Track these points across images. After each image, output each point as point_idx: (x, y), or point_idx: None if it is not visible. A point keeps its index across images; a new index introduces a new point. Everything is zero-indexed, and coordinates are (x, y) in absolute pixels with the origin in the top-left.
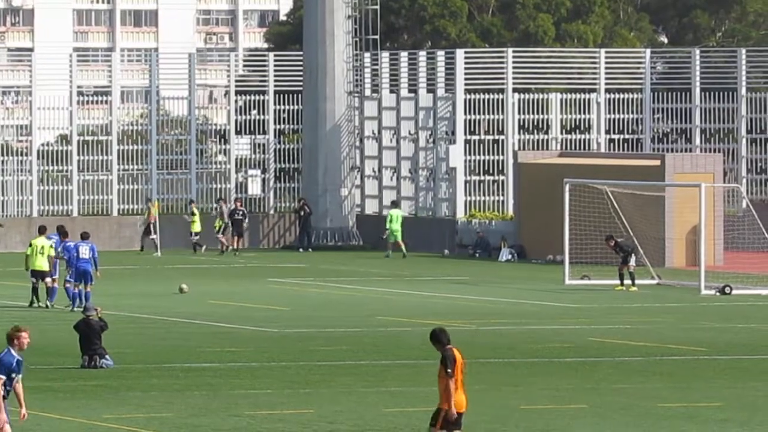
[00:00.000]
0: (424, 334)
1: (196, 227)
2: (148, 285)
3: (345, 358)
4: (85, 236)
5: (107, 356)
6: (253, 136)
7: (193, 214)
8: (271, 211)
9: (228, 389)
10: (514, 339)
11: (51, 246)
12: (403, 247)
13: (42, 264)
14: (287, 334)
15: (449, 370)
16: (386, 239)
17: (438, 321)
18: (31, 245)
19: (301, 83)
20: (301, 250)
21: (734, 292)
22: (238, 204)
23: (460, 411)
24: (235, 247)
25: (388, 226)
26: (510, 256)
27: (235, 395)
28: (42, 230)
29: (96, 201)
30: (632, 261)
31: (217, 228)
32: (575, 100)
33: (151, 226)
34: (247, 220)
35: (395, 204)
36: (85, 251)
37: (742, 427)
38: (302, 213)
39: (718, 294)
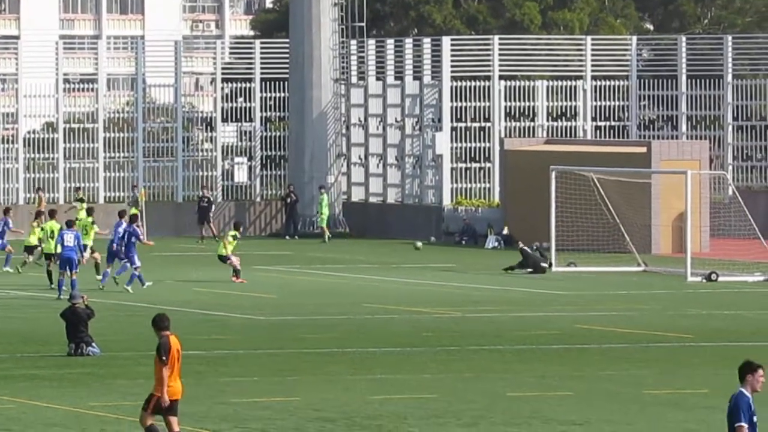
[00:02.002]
0: (412, 321)
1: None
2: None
3: (332, 345)
4: (69, 224)
5: (94, 344)
6: (239, 124)
7: (81, 200)
8: (258, 199)
9: (214, 377)
10: (500, 326)
11: (61, 229)
12: (326, 232)
13: (53, 247)
14: (274, 322)
15: (163, 358)
16: (319, 224)
17: (425, 308)
18: (42, 229)
19: (287, 71)
20: (287, 237)
21: (720, 278)
22: (205, 191)
23: (174, 398)
24: (201, 234)
25: (318, 211)
26: (496, 244)
27: (222, 383)
28: (52, 214)
29: (82, 188)
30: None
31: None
32: (561, 87)
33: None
34: (213, 208)
35: (323, 188)
36: (70, 239)
37: None
38: (288, 200)
39: (704, 281)
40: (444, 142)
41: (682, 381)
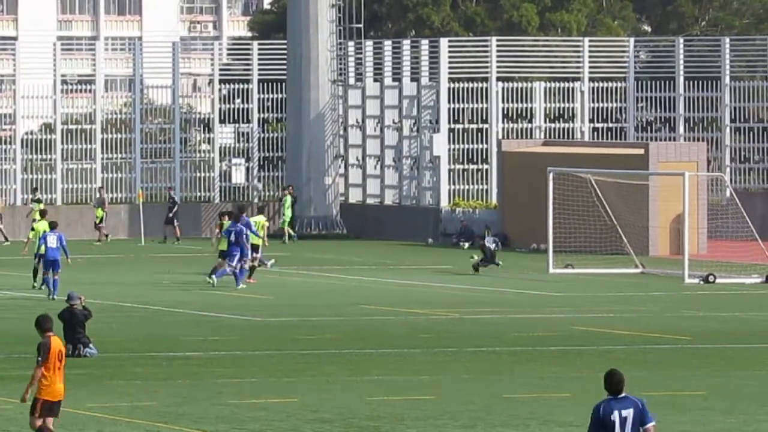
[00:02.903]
0: (409, 323)
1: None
2: (131, 273)
3: (329, 346)
4: (53, 226)
5: (91, 345)
6: (237, 125)
7: (38, 201)
8: (255, 200)
9: (212, 378)
10: (497, 328)
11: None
12: (287, 232)
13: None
14: (271, 323)
15: (39, 359)
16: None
17: (422, 310)
18: (33, 229)
19: (285, 72)
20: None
21: (718, 280)
22: (171, 192)
23: (56, 399)
24: (165, 235)
25: (282, 212)
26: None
27: (219, 384)
28: (43, 214)
29: (80, 190)
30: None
31: (98, 218)
32: (559, 88)
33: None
34: (176, 209)
35: (286, 189)
36: (53, 240)
37: (725, 416)
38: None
39: (701, 283)
40: (441, 144)
41: (679, 383)
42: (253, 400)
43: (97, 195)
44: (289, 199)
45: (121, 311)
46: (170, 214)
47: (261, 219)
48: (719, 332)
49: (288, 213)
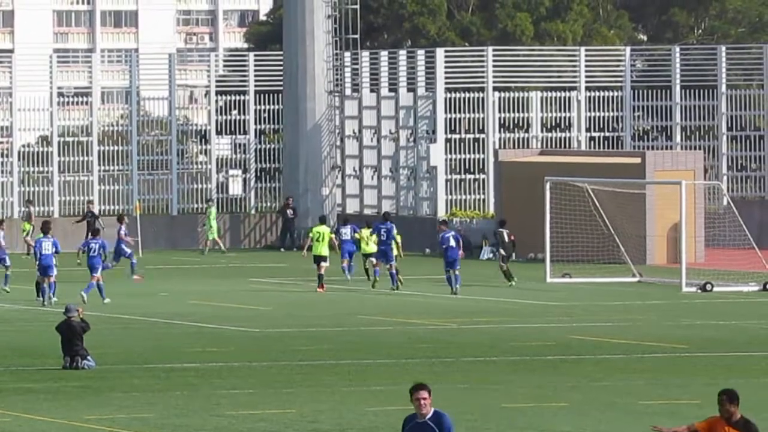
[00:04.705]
0: (407, 333)
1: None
2: (129, 285)
3: (326, 357)
4: (45, 231)
5: (89, 357)
6: (233, 136)
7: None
8: (252, 211)
9: (209, 389)
10: (495, 337)
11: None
12: (220, 243)
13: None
14: (268, 334)
15: None
16: (206, 237)
17: (420, 319)
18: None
19: (281, 83)
20: (282, 249)
21: (715, 289)
22: (90, 206)
23: None
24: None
25: (207, 224)
26: (491, 255)
27: (217, 395)
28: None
29: (77, 202)
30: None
31: (24, 232)
32: (555, 98)
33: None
34: (96, 222)
35: (210, 201)
36: (48, 246)
37: None
38: (287, 212)
39: (699, 291)
40: (438, 154)
41: (676, 391)
42: (251, 412)
43: (26, 208)
44: (213, 210)
45: (118, 323)
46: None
47: (324, 230)
48: (717, 341)
49: (213, 224)
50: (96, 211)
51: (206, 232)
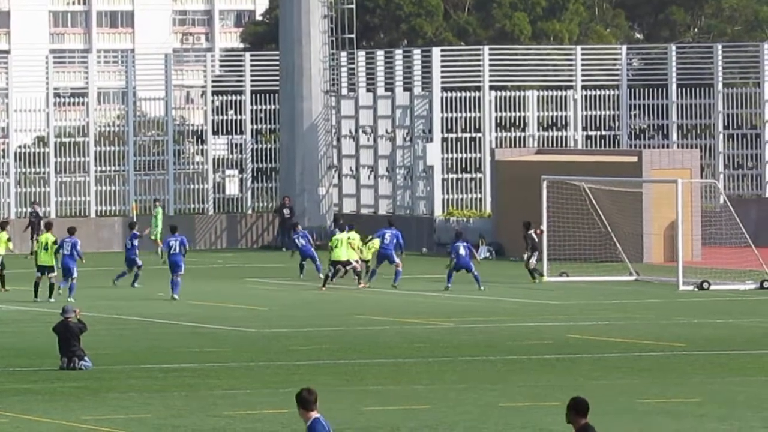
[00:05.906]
0: (403, 332)
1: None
2: (126, 286)
3: (323, 357)
4: (71, 231)
5: (86, 358)
6: (230, 136)
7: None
8: (249, 211)
9: (207, 389)
10: (493, 336)
11: (55, 242)
12: (158, 246)
13: (46, 259)
14: (265, 334)
15: None
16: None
17: (417, 319)
18: (38, 241)
19: (277, 83)
20: (284, 249)
21: (712, 287)
22: (35, 206)
23: None
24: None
25: (153, 224)
26: (488, 254)
27: (214, 395)
28: (48, 227)
29: (74, 202)
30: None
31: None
32: (552, 97)
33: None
34: (39, 223)
35: (158, 201)
36: (67, 248)
37: (720, 423)
38: (284, 212)
39: (696, 289)
40: (435, 153)
41: (674, 390)
42: (248, 412)
43: (31, 209)
44: (160, 211)
45: (115, 324)
46: (38, 228)
47: (342, 236)
48: (714, 339)
49: (159, 225)
50: (40, 212)
51: (152, 233)
